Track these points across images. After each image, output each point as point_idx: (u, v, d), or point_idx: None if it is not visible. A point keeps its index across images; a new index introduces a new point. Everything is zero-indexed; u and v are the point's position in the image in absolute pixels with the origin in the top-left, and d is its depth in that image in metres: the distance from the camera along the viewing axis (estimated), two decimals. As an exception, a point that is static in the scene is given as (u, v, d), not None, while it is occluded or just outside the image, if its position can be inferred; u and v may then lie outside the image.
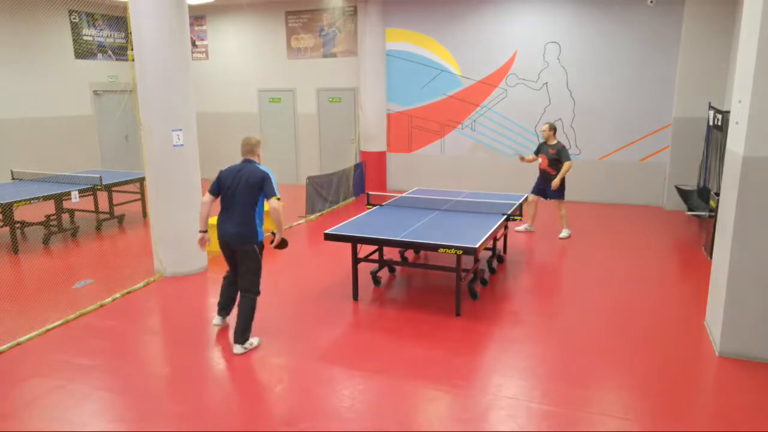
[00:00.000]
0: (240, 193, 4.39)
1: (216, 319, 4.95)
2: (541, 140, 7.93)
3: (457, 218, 5.91)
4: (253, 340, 4.59)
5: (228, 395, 3.91)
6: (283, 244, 4.53)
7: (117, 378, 4.14)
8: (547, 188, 7.59)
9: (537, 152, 7.72)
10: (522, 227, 8.03)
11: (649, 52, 9.32)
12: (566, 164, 7.37)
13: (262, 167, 4.47)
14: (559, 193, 7.53)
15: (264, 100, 12.30)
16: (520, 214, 6.15)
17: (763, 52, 3.91)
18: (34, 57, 10.53)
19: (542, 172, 7.65)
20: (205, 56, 12.55)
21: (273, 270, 6.55)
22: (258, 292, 4.55)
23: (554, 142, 7.49)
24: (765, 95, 3.96)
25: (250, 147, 4.53)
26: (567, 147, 7.72)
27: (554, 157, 7.45)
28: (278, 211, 4.34)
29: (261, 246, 4.55)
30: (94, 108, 11.67)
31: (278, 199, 4.34)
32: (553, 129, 7.48)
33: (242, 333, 4.49)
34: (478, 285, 5.83)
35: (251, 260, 4.48)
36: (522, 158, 7.78)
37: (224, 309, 4.92)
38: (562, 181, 7.45)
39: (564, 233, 7.77)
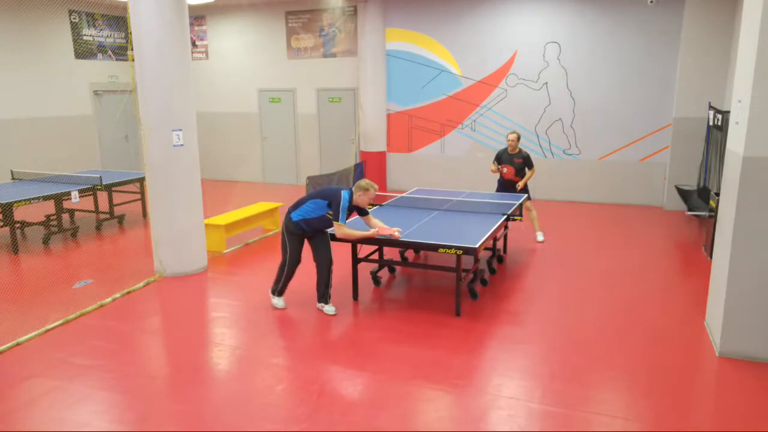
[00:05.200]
0: (310, 193, 5.35)
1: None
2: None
3: (457, 218, 5.91)
4: (274, 300, 5.43)
5: (228, 395, 3.90)
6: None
7: (117, 378, 4.13)
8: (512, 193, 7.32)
9: (499, 162, 7.41)
10: (540, 237, 7.65)
11: (649, 52, 9.32)
12: (533, 171, 7.33)
13: (345, 192, 5.04)
14: (526, 192, 7.32)
15: (264, 100, 12.30)
16: (520, 214, 6.15)
17: (763, 52, 3.91)
18: (34, 57, 10.52)
19: (507, 182, 7.39)
20: (205, 56, 12.55)
21: (272, 270, 6.54)
22: (282, 263, 5.35)
23: (518, 150, 7.29)
24: (765, 95, 3.96)
25: (356, 186, 5.10)
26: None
27: (521, 166, 7.28)
28: (339, 234, 5.09)
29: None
30: (94, 108, 11.67)
31: (339, 224, 5.02)
32: (519, 139, 7.30)
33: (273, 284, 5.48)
34: (478, 285, 5.83)
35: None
36: (497, 170, 7.43)
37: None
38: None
39: (540, 236, 7.61)
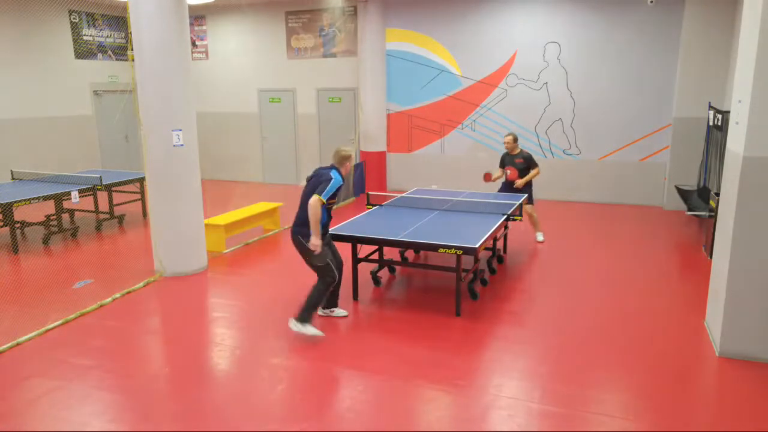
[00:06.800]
0: (304, 193, 4.73)
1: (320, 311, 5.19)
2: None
3: (457, 218, 5.91)
4: (310, 329, 4.66)
5: (228, 395, 3.90)
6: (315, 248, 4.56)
7: (117, 378, 4.14)
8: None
9: (502, 165, 7.41)
10: (540, 237, 7.65)
11: (649, 52, 9.31)
12: (536, 170, 7.24)
13: (334, 172, 4.67)
14: (528, 197, 7.25)
15: (264, 100, 12.30)
16: (520, 214, 6.15)
17: (763, 52, 3.91)
18: (34, 57, 10.52)
19: (509, 183, 7.33)
20: (205, 56, 12.55)
21: (272, 270, 6.56)
22: (326, 281, 4.72)
23: (518, 151, 7.27)
24: (765, 95, 3.96)
25: (338, 158, 4.81)
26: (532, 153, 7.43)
27: (523, 166, 7.23)
28: (312, 207, 4.47)
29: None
30: (94, 108, 11.67)
31: (320, 198, 4.48)
32: (516, 140, 7.25)
33: (302, 311, 4.67)
34: (478, 285, 5.83)
35: (305, 254, 4.73)
36: (490, 177, 7.31)
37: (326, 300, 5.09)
38: (529, 183, 7.24)
39: (540, 236, 7.61)
